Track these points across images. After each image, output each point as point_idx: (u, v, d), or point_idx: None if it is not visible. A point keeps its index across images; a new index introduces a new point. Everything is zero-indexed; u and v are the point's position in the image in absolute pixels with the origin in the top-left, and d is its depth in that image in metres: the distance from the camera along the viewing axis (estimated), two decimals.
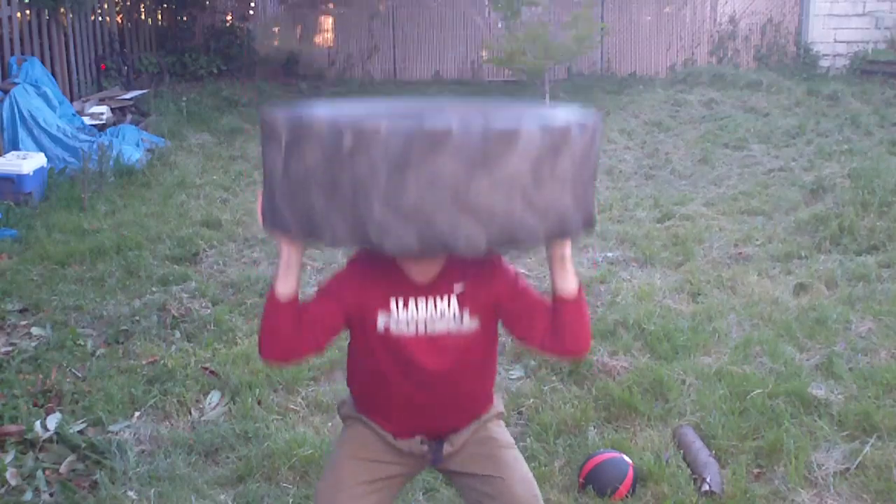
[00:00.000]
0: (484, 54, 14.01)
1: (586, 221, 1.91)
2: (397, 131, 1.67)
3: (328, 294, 2.10)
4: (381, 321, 2.06)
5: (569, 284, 2.02)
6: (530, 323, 2.08)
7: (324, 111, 1.91)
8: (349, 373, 2.30)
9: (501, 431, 2.33)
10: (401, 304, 2.06)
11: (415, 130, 1.67)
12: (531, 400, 3.73)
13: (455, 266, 2.07)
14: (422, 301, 2.06)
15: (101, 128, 8.77)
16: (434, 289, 2.06)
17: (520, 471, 2.26)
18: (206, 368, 4.03)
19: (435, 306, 2.06)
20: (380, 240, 1.71)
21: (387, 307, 2.06)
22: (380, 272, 2.07)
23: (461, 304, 2.07)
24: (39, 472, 3.14)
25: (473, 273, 2.09)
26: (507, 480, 2.20)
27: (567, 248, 1.99)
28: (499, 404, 2.37)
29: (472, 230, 1.71)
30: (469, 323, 2.09)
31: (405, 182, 1.68)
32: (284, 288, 2.00)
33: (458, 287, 2.07)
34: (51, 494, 3.06)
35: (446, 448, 2.22)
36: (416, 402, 2.15)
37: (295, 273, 2.01)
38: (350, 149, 1.69)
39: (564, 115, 1.88)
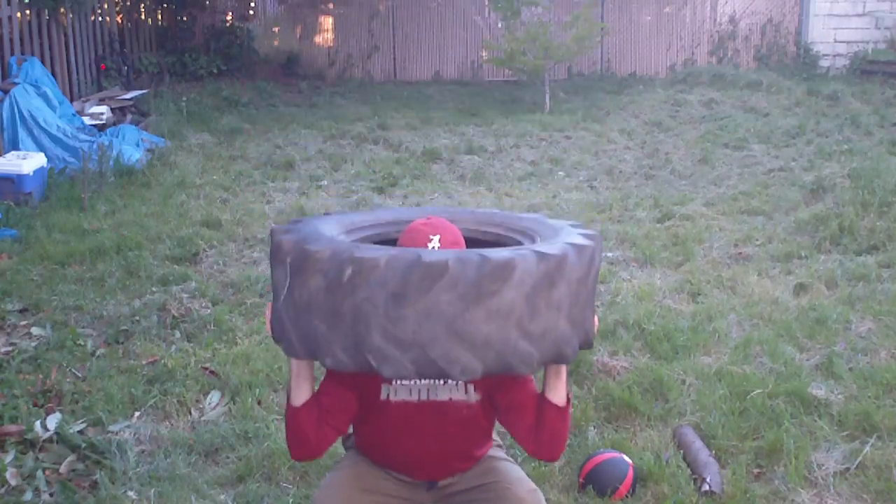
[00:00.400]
0: (484, 54, 14.02)
1: (583, 343, 1.96)
2: (395, 265, 1.74)
3: (334, 379, 2.16)
4: (384, 392, 2.13)
5: (559, 397, 2.10)
6: (522, 418, 2.15)
7: (325, 238, 1.95)
8: (354, 430, 2.33)
9: (496, 450, 2.37)
10: (401, 381, 2.12)
11: (412, 264, 1.74)
12: None
13: None
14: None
15: (101, 128, 8.77)
16: None
17: (515, 472, 2.29)
18: (206, 368, 4.03)
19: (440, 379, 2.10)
20: (379, 366, 1.78)
21: (389, 383, 2.12)
22: None
23: (465, 383, 2.12)
24: (39, 472, 3.14)
25: None
26: (502, 482, 2.23)
27: (563, 367, 2.07)
28: (495, 438, 2.40)
29: (468, 359, 1.76)
30: (473, 395, 2.15)
31: (403, 313, 1.74)
32: (298, 396, 2.09)
33: None
34: (51, 494, 3.06)
35: (446, 482, 2.27)
36: (414, 458, 2.20)
37: (307, 382, 2.09)
38: (350, 279, 1.76)
39: (564, 235, 1.95)
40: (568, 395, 2.12)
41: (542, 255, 1.80)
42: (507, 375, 2.09)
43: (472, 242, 2.21)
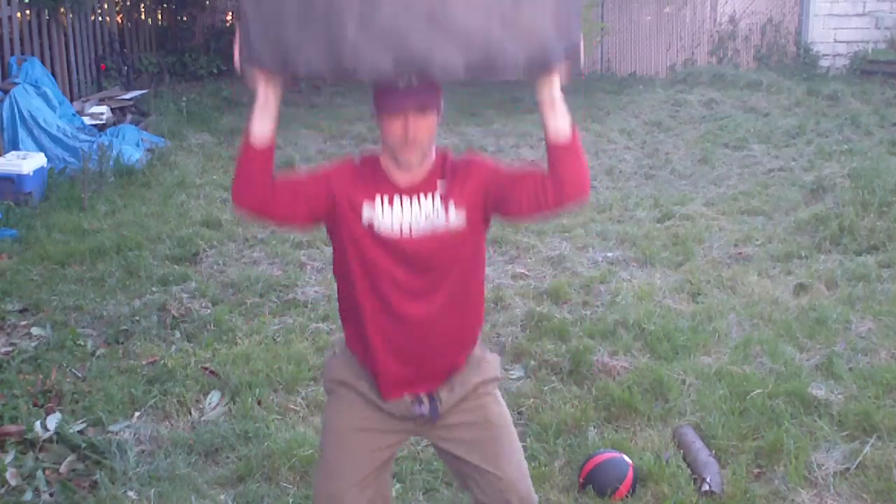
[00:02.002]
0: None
1: (570, 52, 1.85)
2: None
3: (317, 173, 2.14)
4: (366, 214, 2.09)
5: (561, 126, 2.00)
6: (523, 188, 2.07)
7: None
8: (340, 308, 2.28)
9: (496, 405, 2.29)
10: (386, 201, 2.09)
11: None
12: (531, 400, 3.73)
13: (438, 171, 2.12)
14: (406, 200, 2.10)
15: (101, 128, 8.76)
16: (418, 189, 2.11)
17: (514, 463, 2.24)
18: (206, 368, 4.03)
19: (419, 206, 2.10)
20: (354, 63, 1.68)
21: (372, 201, 2.09)
22: (368, 174, 2.12)
23: (445, 201, 2.10)
24: (39, 472, 3.14)
25: (454, 171, 2.13)
26: (500, 477, 2.19)
27: (556, 89, 1.98)
28: (494, 364, 2.34)
29: (449, 52, 1.67)
30: (454, 217, 2.11)
31: (379, 1, 1.64)
32: (260, 128, 2.03)
33: (440, 185, 2.11)
34: (51, 494, 3.06)
35: (439, 405, 2.20)
36: (402, 318, 2.13)
37: (271, 114, 2.04)
38: None
39: None
40: (572, 125, 2.01)
41: None
42: (486, 172, 2.10)
43: None
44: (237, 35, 1.94)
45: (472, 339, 2.27)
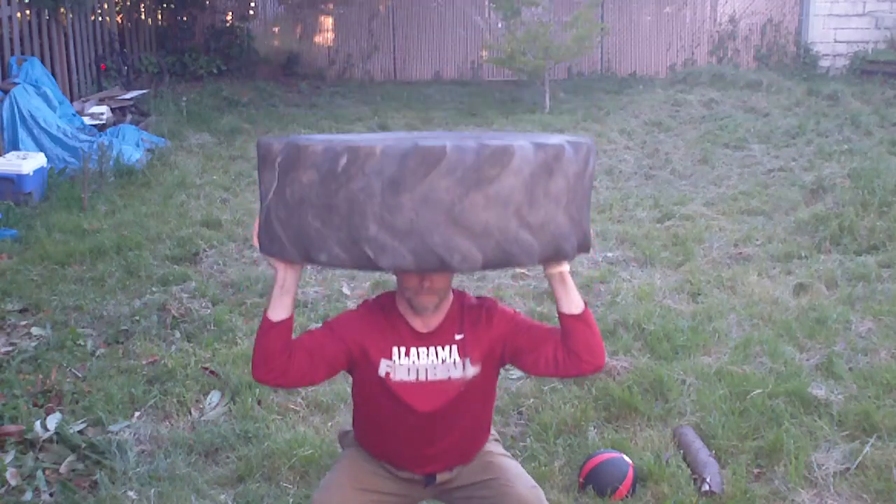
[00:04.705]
0: (484, 54, 14.01)
1: (581, 243, 1.94)
2: (392, 151, 1.70)
3: (333, 331, 2.15)
4: (383, 367, 2.12)
5: (573, 304, 2.07)
6: (540, 349, 2.12)
7: (319, 138, 1.93)
8: (353, 418, 2.34)
9: (494, 445, 2.37)
10: (402, 352, 2.12)
11: (409, 149, 1.69)
12: (531, 400, 3.73)
13: (456, 316, 2.14)
14: (423, 350, 2.12)
15: (101, 128, 8.77)
16: (435, 338, 2.13)
17: (514, 469, 2.29)
18: (206, 368, 4.03)
19: (436, 355, 2.12)
20: (376, 258, 1.73)
21: (389, 354, 2.12)
22: (384, 321, 2.14)
23: (462, 352, 2.13)
24: (39, 472, 3.14)
25: (473, 320, 2.15)
26: (501, 479, 2.23)
27: (566, 270, 2.05)
28: (492, 432, 2.40)
29: (467, 248, 1.73)
30: (471, 369, 2.14)
31: (400, 201, 1.70)
32: (279, 311, 2.05)
33: (458, 336, 2.13)
34: (51, 494, 3.06)
35: (444, 477, 2.27)
36: (413, 446, 2.19)
37: (290, 297, 2.05)
38: (345, 169, 1.72)
39: (558, 137, 1.91)
40: (584, 301, 2.09)
41: (539, 145, 1.78)
42: (505, 325, 2.13)
43: None
44: (258, 220, 1.98)
45: (485, 436, 2.33)
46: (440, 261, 1.73)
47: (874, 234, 5.75)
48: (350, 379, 2.30)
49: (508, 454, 2.38)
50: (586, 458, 3.20)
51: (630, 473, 3.09)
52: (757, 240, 5.96)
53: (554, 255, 1.87)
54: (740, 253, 5.71)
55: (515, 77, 13.29)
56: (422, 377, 2.12)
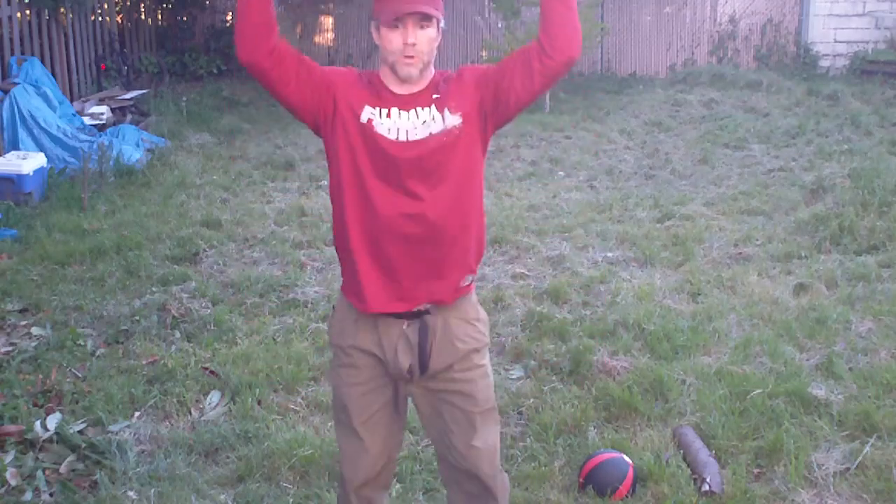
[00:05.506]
0: (484, 54, 14.00)
1: None
2: None
3: (324, 69, 2.17)
4: (365, 113, 2.12)
5: None
6: (512, 65, 2.10)
7: None
8: (335, 237, 2.27)
9: (484, 379, 2.30)
10: (384, 112, 2.12)
11: None
12: (531, 400, 3.73)
13: (435, 83, 2.15)
14: (403, 112, 2.12)
15: (101, 128, 8.76)
16: (415, 100, 2.13)
17: (487, 442, 2.28)
18: (206, 368, 4.03)
19: (417, 115, 2.12)
20: None
21: (372, 105, 2.12)
22: (367, 83, 2.15)
23: (440, 107, 2.12)
24: (39, 472, 3.14)
25: (447, 79, 2.16)
26: (465, 455, 2.27)
27: None
28: (484, 327, 2.33)
29: None
30: (451, 119, 2.12)
31: None
32: None
33: (435, 95, 2.14)
34: (51, 494, 3.06)
35: (429, 360, 2.20)
36: (392, 225, 2.13)
37: None
38: None
39: None
40: None
41: None
42: (477, 72, 2.14)
43: None
44: None
45: (465, 261, 2.23)
46: None
47: (874, 234, 5.75)
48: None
49: (492, 403, 2.32)
50: (586, 458, 3.20)
51: (630, 473, 3.09)
52: (757, 240, 5.96)
53: None
54: (740, 253, 5.71)
55: None
56: (402, 137, 2.11)
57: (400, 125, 2.11)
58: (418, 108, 2.12)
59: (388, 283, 2.17)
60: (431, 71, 2.17)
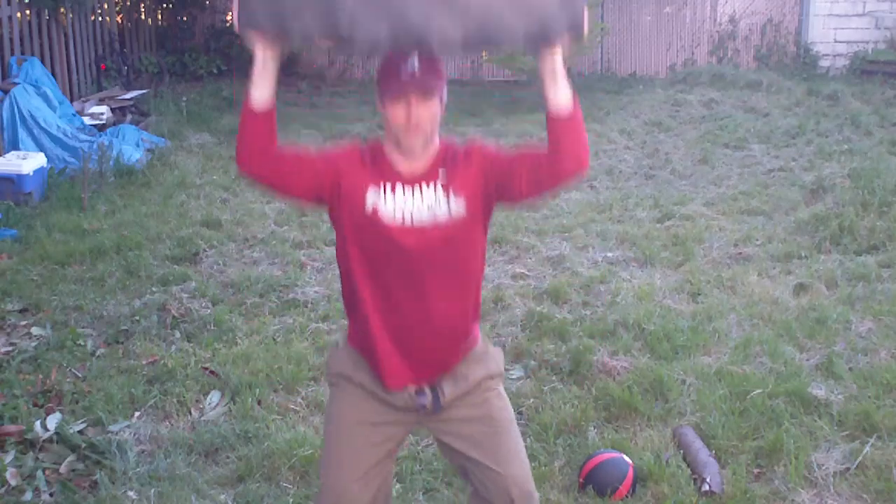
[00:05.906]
0: (484, 54, 14.00)
1: (572, 25, 1.84)
2: None
3: (326, 153, 2.16)
4: (370, 199, 2.11)
5: (562, 97, 2.00)
6: (521, 166, 2.10)
7: None
8: (343, 298, 2.29)
9: (499, 401, 2.30)
10: (388, 189, 2.11)
11: None
12: (531, 400, 3.73)
13: (440, 159, 2.14)
14: (408, 190, 2.11)
15: (101, 128, 8.76)
16: (420, 178, 2.12)
17: (516, 460, 2.23)
18: (206, 368, 4.03)
19: (421, 195, 2.11)
20: (351, 31, 1.68)
21: (377, 187, 2.11)
22: (370, 160, 2.14)
23: (446, 190, 2.11)
24: (39, 472, 3.14)
25: (452, 158, 2.14)
26: (501, 474, 2.19)
27: (558, 60, 1.98)
28: (498, 359, 2.34)
29: (447, 23, 1.66)
30: (455, 206, 2.12)
31: None
32: (259, 93, 2.04)
33: (442, 174, 2.12)
34: (51, 494, 3.06)
35: (442, 396, 2.20)
36: (401, 306, 2.14)
37: (270, 77, 2.05)
38: None
39: None
40: (574, 97, 2.01)
41: None
42: (484, 155, 2.12)
43: None
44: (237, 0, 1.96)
45: (470, 330, 2.26)
46: (417, 36, 1.67)
47: (874, 234, 5.75)
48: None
49: (512, 419, 2.30)
50: (586, 458, 3.20)
51: (630, 473, 3.09)
52: (757, 240, 5.96)
53: (540, 37, 1.79)
54: (740, 253, 5.71)
55: (515, 77, 13.29)
56: (407, 220, 2.10)
57: (405, 207, 2.11)
58: (423, 186, 2.12)
59: (400, 356, 2.19)
60: (436, 142, 2.15)
